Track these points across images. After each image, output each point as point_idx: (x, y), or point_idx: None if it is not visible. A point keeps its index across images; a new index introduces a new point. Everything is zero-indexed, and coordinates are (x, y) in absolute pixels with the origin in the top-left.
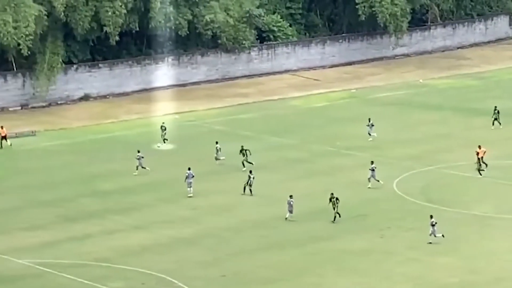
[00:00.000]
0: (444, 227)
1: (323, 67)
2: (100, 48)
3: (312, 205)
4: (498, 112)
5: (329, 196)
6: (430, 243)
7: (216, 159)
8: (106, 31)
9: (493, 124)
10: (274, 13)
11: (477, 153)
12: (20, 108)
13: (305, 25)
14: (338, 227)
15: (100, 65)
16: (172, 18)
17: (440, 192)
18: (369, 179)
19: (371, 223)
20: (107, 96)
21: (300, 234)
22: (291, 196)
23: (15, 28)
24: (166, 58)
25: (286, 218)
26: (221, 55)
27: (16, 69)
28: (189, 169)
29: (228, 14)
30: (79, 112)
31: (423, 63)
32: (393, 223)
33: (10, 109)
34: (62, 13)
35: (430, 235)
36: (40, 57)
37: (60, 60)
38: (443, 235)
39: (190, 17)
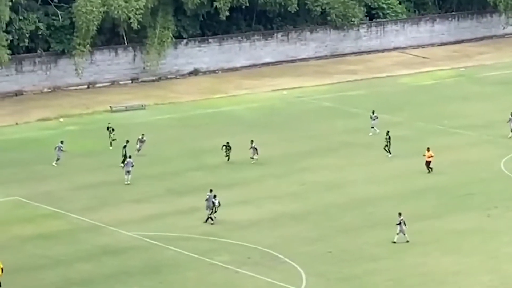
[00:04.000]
0: None
1: (432, 45)
2: (210, 23)
3: (418, 184)
4: None
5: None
6: None
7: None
8: (216, 6)
9: None
10: None
11: None
12: (130, 81)
13: (415, 2)
14: (444, 206)
15: (209, 40)
16: None
17: None
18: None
19: (478, 203)
20: (216, 71)
21: (406, 213)
22: None
23: (126, 1)
24: (275, 34)
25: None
26: (330, 32)
27: (127, 43)
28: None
29: None
30: (188, 86)
31: None
32: (500, 202)
33: (120, 82)
34: None
35: None
36: (150, 32)
37: (170, 35)
38: None
39: None
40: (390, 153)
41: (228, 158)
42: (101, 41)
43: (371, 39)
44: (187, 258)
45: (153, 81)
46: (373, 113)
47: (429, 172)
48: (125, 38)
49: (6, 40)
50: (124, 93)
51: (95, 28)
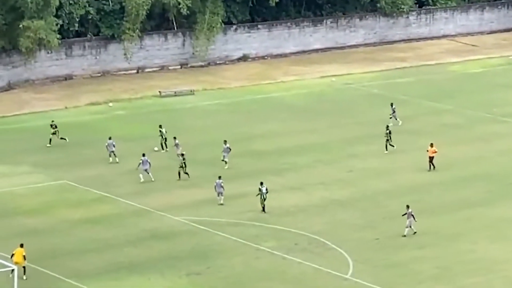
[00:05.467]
0: None
1: (481, 33)
2: (259, 9)
3: (466, 171)
4: None
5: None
6: None
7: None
8: None
9: None
10: None
11: None
12: (179, 67)
13: None
14: (493, 193)
15: (259, 26)
16: None
17: None
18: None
19: None
20: (265, 57)
21: (453, 200)
22: None
23: None
24: (324, 21)
25: None
26: (379, 19)
27: (176, 28)
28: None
29: None
30: (237, 72)
31: None
32: None
33: (169, 67)
34: None
35: None
36: (200, 17)
37: (220, 20)
38: None
39: None
40: (394, 147)
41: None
42: (151, 26)
43: (420, 26)
44: (234, 243)
45: (202, 66)
46: (392, 105)
47: (431, 169)
48: (174, 23)
49: (56, 24)
50: (173, 78)
51: (144, 13)
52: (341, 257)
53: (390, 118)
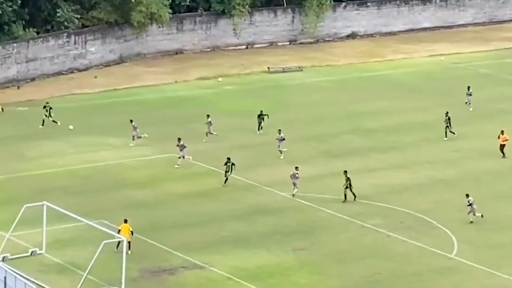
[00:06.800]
0: None
1: None
2: None
3: None
4: None
5: None
6: None
7: (207, 134)
8: None
9: None
10: None
11: None
12: (288, 43)
13: None
14: None
15: (368, 3)
16: None
17: None
18: None
19: None
20: (374, 35)
21: None
22: None
23: None
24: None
25: None
26: None
27: (286, 4)
28: None
29: None
30: (346, 49)
31: None
32: None
33: (279, 44)
34: None
35: None
36: None
37: None
38: None
39: None
40: (454, 134)
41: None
42: (261, 2)
43: None
44: (339, 220)
45: (310, 43)
46: (468, 89)
47: (503, 156)
48: (284, 0)
49: None
50: (281, 54)
51: None
52: (445, 236)
53: (466, 103)
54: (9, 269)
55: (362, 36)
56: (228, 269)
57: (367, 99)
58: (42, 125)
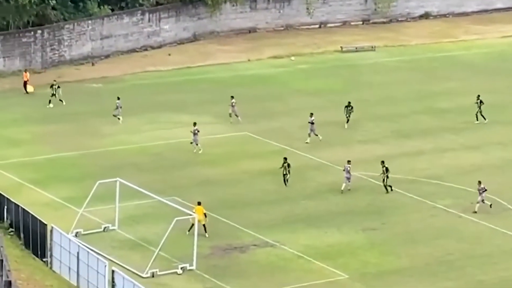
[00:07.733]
0: None
1: None
2: None
3: None
4: None
5: None
6: None
7: (114, 115)
8: None
9: None
10: None
11: None
12: (361, 23)
13: None
14: None
15: None
16: None
17: None
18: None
19: None
20: (447, 15)
21: None
22: None
23: None
24: None
25: None
26: None
27: None
28: None
29: None
30: (419, 29)
31: None
32: None
33: (352, 23)
34: None
35: None
36: None
37: None
38: None
39: None
40: (485, 120)
41: (348, 120)
42: None
43: None
44: (410, 200)
45: (383, 23)
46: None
47: None
48: None
49: None
50: (354, 34)
51: None
52: None
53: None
54: (82, 244)
55: (435, 16)
56: (299, 248)
57: (439, 80)
58: (50, 103)
